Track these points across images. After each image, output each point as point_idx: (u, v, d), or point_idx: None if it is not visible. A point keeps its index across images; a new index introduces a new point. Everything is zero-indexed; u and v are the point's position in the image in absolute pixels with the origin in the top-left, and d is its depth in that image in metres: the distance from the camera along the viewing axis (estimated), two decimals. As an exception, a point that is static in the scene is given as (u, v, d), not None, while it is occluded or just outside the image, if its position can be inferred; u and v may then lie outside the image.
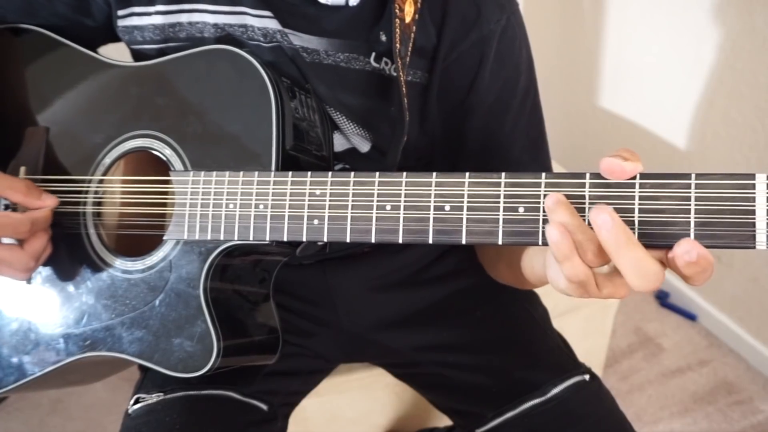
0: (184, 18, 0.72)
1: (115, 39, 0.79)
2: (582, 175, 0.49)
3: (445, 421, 1.09)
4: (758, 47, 1.41)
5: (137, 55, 0.77)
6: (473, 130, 0.76)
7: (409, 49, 0.69)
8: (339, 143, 0.77)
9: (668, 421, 1.54)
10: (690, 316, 1.82)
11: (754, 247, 0.44)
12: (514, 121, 0.76)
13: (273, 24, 0.70)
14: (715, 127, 1.59)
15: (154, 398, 0.77)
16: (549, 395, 0.77)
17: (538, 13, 2.04)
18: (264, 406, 0.81)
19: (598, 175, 0.49)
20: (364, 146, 0.77)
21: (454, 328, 0.88)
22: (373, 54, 0.71)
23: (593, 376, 0.81)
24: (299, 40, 0.70)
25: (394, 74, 0.70)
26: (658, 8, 1.67)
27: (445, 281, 0.91)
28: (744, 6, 1.42)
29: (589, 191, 0.49)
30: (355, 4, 0.69)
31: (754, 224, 0.44)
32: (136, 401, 0.78)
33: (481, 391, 0.83)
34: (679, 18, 1.61)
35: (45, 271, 0.73)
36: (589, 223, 0.47)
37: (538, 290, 0.95)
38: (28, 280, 0.73)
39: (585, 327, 1.27)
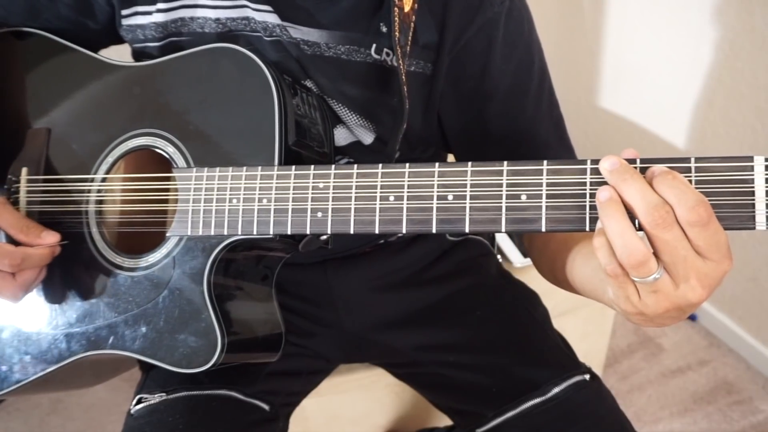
0: (185, 13, 0.72)
1: (118, 41, 0.79)
2: (583, 162, 0.50)
3: (445, 421, 1.09)
4: (758, 47, 1.41)
5: (139, 54, 0.77)
6: (494, 116, 0.75)
7: (409, 38, 0.69)
8: (343, 137, 0.77)
9: (668, 421, 1.54)
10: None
11: (754, 228, 0.45)
12: (535, 104, 0.76)
13: (272, 18, 0.70)
14: (715, 127, 1.59)
15: (156, 398, 0.77)
16: (549, 395, 0.77)
17: (538, 13, 2.04)
18: (265, 406, 0.81)
19: (598, 162, 0.49)
20: (368, 138, 0.77)
21: (455, 328, 0.88)
22: (374, 46, 0.71)
23: (593, 375, 0.81)
24: (299, 33, 0.70)
25: (395, 65, 0.70)
26: (657, 8, 1.67)
27: (446, 282, 0.91)
28: (743, 6, 1.42)
29: (590, 178, 0.49)
30: None
31: (753, 205, 0.45)
32: (139, 401, 0.78)
33: (482, 391, 0.83)
34: (678, 18, 1.61)
35: (48, 271, 0.73)
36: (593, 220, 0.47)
37: (538, 290, 0.95)
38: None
39: (585, 327, 1.27)
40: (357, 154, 0.78)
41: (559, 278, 0.69)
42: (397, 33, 0.67)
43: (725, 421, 1.54)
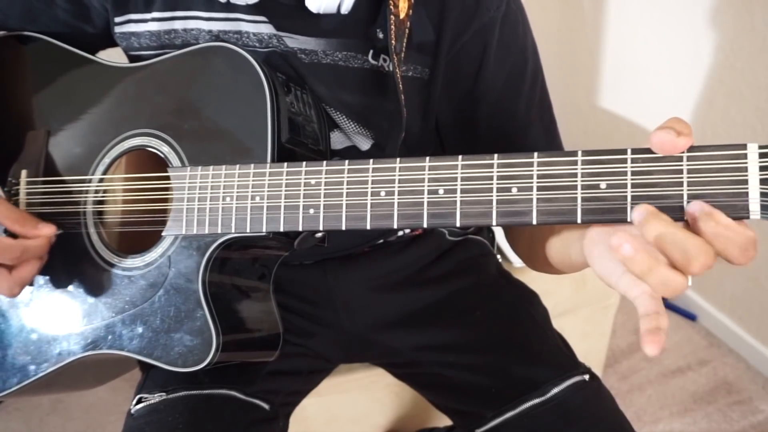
0: (178, 25, 0.72)
1: (115, 44, 0.80)
2: (574, 153, 0.49)
3: (445, 421, 1.09)
4: (758, 47, 1.41)
5: (135, 62, 0.78)
6: (485, 117, 0.75)
7: (404, 44, 0.69)
8: (339, 141, 0.77)
9: (668, 421, 1.54)
10: (690, 316, 1.82)
11: (748, 217, 0.44)
12: (526, 107, 0.76)
13: (267, 29, 0.70)
14: (715, 127, 1.59)
15: (156, 398, 0.77)
16: (549, 395, 0.77)
17: (538, 13, 2.04)
18: (266, 406, 0.81)
19: (589, 152, 0.48)
20: (365, 145, 0.77)
21: (454, 328, 0.88)
22: (371, 51, 0.71)
23: (593, 376, 0.81)
24: (296, 42, 0.70)
25: (392, 70, 0.70)
26: (657, 8, 1.67)
27: (445, 281, 0.91)
28: (743, 6, 1.42)
29: (582, 169, 0.49)
30: (346, 12, 0.69)
31: (747, 194, 0.44)
32: (139, 401, 0.78)
33: (481, 391, 0.83)
34: (678, 18, 1.61)
35: (46, 272, 0.73)
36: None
37: (538, 290, 0.95)
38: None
39: (585, 327, 1.27)
40: (353, 158, 0.78)
41: (538, 255, 0.70)
42: (393, 41, 0.67)
43: (725, 421, 1.54)
